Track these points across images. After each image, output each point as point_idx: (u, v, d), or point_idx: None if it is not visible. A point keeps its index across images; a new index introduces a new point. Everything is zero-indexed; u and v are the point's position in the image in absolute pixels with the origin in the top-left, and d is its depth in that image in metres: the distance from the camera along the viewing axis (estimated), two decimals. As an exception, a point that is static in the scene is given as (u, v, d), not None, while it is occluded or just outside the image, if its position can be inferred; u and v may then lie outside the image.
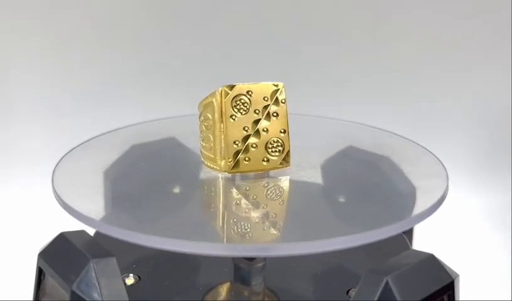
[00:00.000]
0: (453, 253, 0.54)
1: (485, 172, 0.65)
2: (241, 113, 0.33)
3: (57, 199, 0.30)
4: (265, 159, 0.33)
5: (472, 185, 0.64)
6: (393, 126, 0.42)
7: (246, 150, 0.33)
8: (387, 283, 0.26)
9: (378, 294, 0.26)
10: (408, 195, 0.33)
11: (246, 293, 0.32)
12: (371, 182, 0.35)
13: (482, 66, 0.64)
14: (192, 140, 0.37)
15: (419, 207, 0.30)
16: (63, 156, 0.34)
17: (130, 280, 0.33)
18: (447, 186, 0.31)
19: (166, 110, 0.44)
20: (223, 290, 0.33)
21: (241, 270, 0.32)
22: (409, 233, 0.39)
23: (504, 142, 0.65)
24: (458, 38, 0.64)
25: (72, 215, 0.28)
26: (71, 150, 0.35)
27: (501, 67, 0.64)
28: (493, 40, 0.64)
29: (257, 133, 0.33)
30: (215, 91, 0.33)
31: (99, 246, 0.28)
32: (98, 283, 0.27)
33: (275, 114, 0.33)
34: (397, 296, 0.26)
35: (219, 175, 0.34)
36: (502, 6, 0.63)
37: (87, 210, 0.28)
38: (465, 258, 0.55)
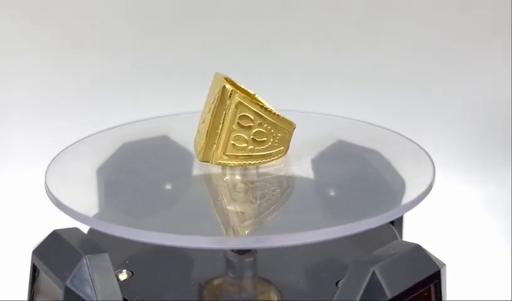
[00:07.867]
0: (451, 246, 0.55)
1: (482, 164, 0.65)
2: None
3: (50, 197, 0.30)
4: None
5: (472, 176, 0.64)
6: (384, 120, 0.42)
7: None
8: (373, 273, 0.26)
9: (364, 284, 0.26)
10: (396, 188, 0.33)
11: (238, 286, 0.32)
12: (360, 175, 0.35)
13: (475, 58, 0.65)
14: (185, 138, 0.38)
15: (405, 198, 0.31)
16: (56, 155, 0.35)
17: (123, 276, 0.33)
18: (433, 179, 0.31)
19: (158, 109, 0.44)
20: (216, 284, 0.34)
21: (233, 263, 0.32)
22: (399, 224, 0.39)
23: (503, 135, 0.65)
24: (450, 32, 0.64)
25: (65, 212, 0.29)
26: (64, 149, 0.36)
27: (495, 58, 0.64)
28: (486, 34, 0.65)
29: None
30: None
31: (92, 243, 0.29)
32: (92, 279, 0.27)
33: None
34: (384, 285, 0.26)
35: (211, 170, 0.34)
36: (493, 1, 0.63)
37: (80, 207, 0.29)
38: (462, 252, 0.56)
